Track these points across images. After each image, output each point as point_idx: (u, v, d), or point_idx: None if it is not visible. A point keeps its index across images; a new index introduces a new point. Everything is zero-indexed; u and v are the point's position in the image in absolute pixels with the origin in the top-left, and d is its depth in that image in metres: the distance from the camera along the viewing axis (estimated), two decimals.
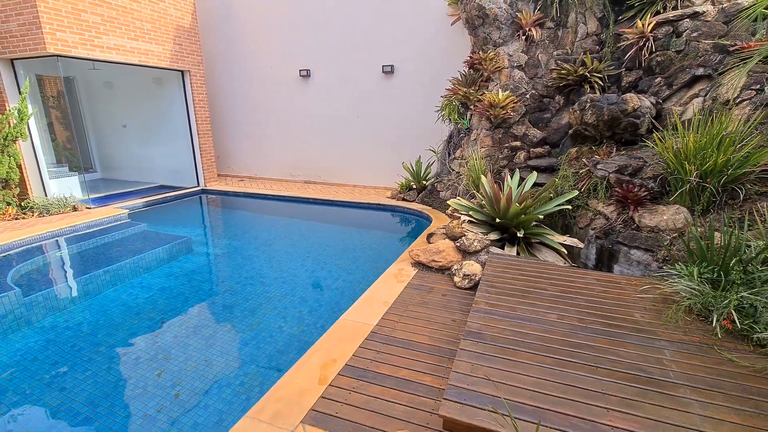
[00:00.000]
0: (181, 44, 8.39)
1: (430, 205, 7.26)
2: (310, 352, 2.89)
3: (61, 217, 6.59)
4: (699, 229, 3.31)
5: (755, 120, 3.64)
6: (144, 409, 2.69)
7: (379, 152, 8.97)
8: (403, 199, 7.75)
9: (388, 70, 8.35)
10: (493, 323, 2.68)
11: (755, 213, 3.18)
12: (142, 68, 7.96)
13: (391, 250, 6.00)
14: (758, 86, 4.20)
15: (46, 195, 7.19)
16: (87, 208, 7.21)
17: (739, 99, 4.26)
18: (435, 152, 7.64)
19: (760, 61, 4.11)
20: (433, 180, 7.56)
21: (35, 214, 6.61)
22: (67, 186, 7.55)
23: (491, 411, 1.85)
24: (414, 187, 7.84)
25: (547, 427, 1.72)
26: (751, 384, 2.05)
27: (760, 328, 2.33)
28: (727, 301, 2.52)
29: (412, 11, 7.87)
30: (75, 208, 7.01)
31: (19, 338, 3.69)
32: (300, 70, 9.16)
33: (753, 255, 2.69)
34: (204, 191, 9.36)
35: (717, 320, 2.49)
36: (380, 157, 8.98)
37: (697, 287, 2.71)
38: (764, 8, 4.20)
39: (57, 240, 6.00)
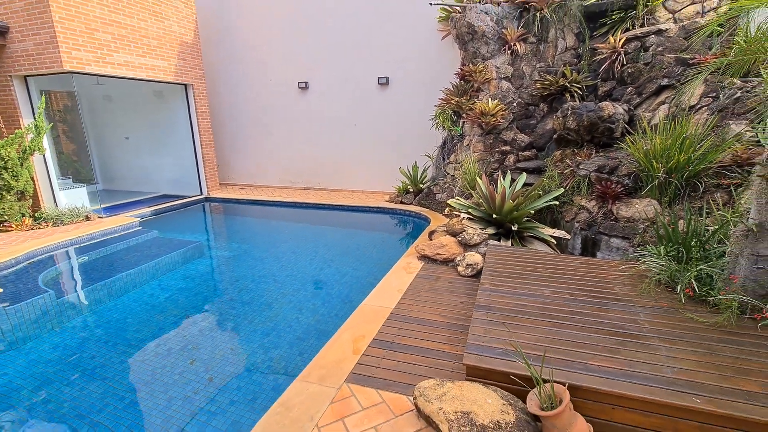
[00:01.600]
0: (185, 59, 8.77)
1: (427, 207, 7.77)
2: (340, 332, 3.32)
3: (76, 226, 6.86)
4: (666, 218, 3.88)
5: (710, 123, 4.25)
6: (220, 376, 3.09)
7: (376, 158, 9.46)
8: (401, 202, 8.23)
9: (384, 82, 8.88)
10: (497, 299, 3.17)
11: (711, 202, 3.77)
12: (143, 82, 8.28)
13: (394, 248, 6.47)
14: (714, 94, 4.85)
15: (56, 206, 7.45)
16: (99, 217, 7.48)
17: (699, 105, 4.90)
18: (430, 157, 8.17)
19: (713, 72, 4.75)
20: (429, 183, 8.08)
21: (49, 225, 6.86)
22: (77, 197, 7.82)
23: (502, 359, 2.33)
24: (411, 190, 8.34)
25: (549, 367, 2.20)
26: (706, 334, 2.58)
27: (714, 293, 2.88)
28: (688, 274, 3.06)
29: (405, 27, 8.44)
30: (87, 218, 7.28)
31: (67, 334, 4.02)
32: (299, 83, 9.63)
33: (709, 235, 3.26)
34: (207, 199, 9.68)
35: (681, 289, 3.03)
36: (377, 163, 9.47)
37: (664, 263, 3.25)
38: (717, 26, 4.87)
39: (76, 247, 6.28)
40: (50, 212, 7.10)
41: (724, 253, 2.98)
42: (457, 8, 7.30)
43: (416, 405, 2.27)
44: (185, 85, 9.03)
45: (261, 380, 3.15)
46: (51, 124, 6.83)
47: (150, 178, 10.15)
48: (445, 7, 7.55)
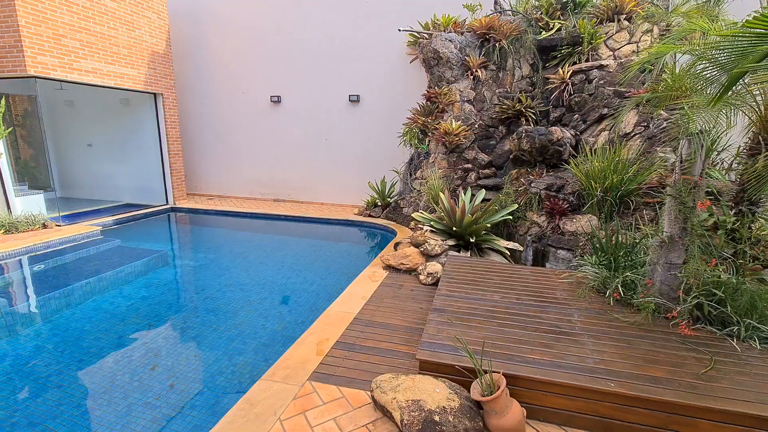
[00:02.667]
0: (155, 68, 8.77)
1: (394, 221, 8.06)
2: (306, 335, 3.49)
3: (33, 233, 6.62)
4: (602, 232, 4.35)
5: (639, 149, 4.83)
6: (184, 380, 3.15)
7: (346, 173, 9.72)
8: (370, 215, 8.50)
9: (354, 99, 9.23)
10: (452, 302, 3.46)
11: (640, 218, 4.27)
12: (109, 89, 8.19)
13: (361, 259, 6.69)
14: (645, 124, 5.49)
15: (10, 213, 7.16)
16: (57, 225, 7.24)
17: (633, 133, 5.52)
18: (398, 173, 8.52)
19: (645, 104, 5.39)
20: (396, 198, 8.40)
21: (1, 232, 6.59)
22: (34, 204, 7.53)
23: (451, 354, 2.60)
24: (379, 204, 8.63)
25: (491, 360, 2.48)
26: (627, 331, 2.96)
27: (636, 297, 3.29)
28: (617, 280, 3.48)
29: (376, 48, 8.87)
30: (45, 225, 7.04)
31: (19, 344, 3.93)
32: (271, 96, 9.81)
33: (634, 246, 3.72)
34: (173, 209, 9.54)
35: (610, 293, 3.44)
36: (347, 177, 9.73)
37: (597, 271, 3.67)
38: (648, 64, 5.53)
39: (31, 256, 6.07)
40: (3, 219, 6.81)
41: (645, 262, 3.42)
42: (425, 35, 7.80)
43: (373, 397, 2.49)
44: (155, 95, 8.99)
45: (224, 385, 3.23)
46: (10, 129, 6.63)
47: (112, 186, 9.89)
48: (413, 33, 8.04)
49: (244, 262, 6.54)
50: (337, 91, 9.32)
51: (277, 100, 9.80)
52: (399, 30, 8.07)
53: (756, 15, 2.43)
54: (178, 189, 9.76)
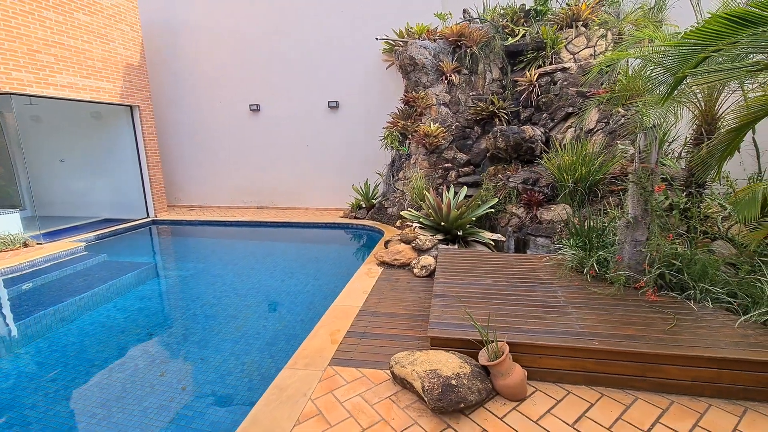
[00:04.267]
0: (131, 81, 8.71)
1: (379, 221, 8.38)
2: (317, 328, 3.73)
3: (14, 253, 6.48)
4: (575, 218, 4.84)
5: (602, 143, 5.38)
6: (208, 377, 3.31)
7: (328, 177, 9.95)
8: (355, 217, 8.77)
9: (334, 105, 9.50)
10: (450, 288, 3.81)
11: (607, 204, 4.80)
12: (82, 103, 8.05)
13: (353, 258, 6.96)
14: (606, 120, 6.09)
15: None
16: (38, 243, 7.09)
17: (596, 129, 6.11)
18: (381, 175, 8.85)
19: (605, 102, 5.98)
20: (380, 199, 8.72)
21: None
22: (9, 223, 7.31)
23: (458, 329, 2.94)
24: (364, 206, 8.92)
25: (494, 331, 2.84)
26: (604, 301, 3.41)
27: (608, 272, 3.76)
28: (591, 259, 3.94)
29: (354, 55, 9.18)
30: (26, 244, 6.87)
31: (24, 358, 3.96)
32: (250, 105, 9.91)
33: (604, 229, 4.21)
34: (155, 222, 9.45)
35: (586, 271, 3.90)
36: (329, 182, 9.96)
37: (574, 253, 4.13)
38: (606, 67, 6.12)
39: (17, 275, 5.95)
40: None
41: (615, 241, 3.90)
42: (400, 42, 8.19)
43: (392, 372, 2.79)
44: (131, 107, 8.91)
45: (236, 384, 3.36)
46: None
47: (89, 202, 9.67)
48: (389, 41, 8.41)
49: (236, 269, 6.65)
50: (316, 97, 9.56)
51: (256, 109, 9.91)
52: (376, 39, 8.42)
53: (692, 28, 2.92)
54: (159, 201, 9.67)
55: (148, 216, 9.54)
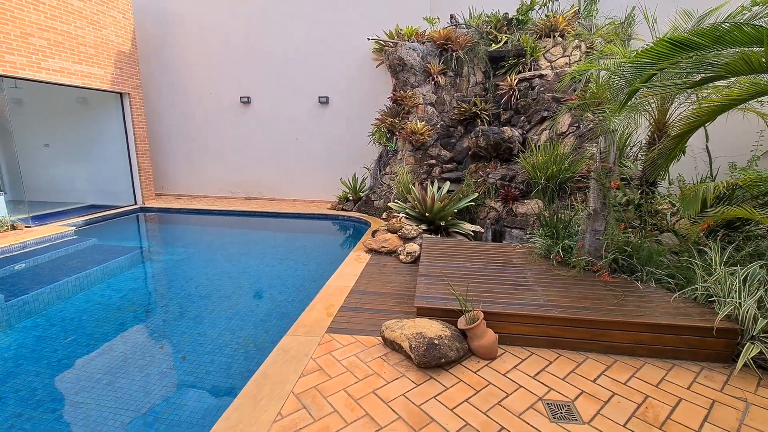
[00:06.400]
0: (122, 68, 8.77)
1: (366, 213, 8.77)
2: (314, 303, 4.11)
3: (2, 235, 6.54)
4: (546, 212, 5.38)
5: (572, 145, 5.95)
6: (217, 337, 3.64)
7: (316, 170, 10.26)
8: (343, 209, 9.14)
9: (324, 101, 9.81)
10: (433, 270, 4.26)
11: (574, 200, 5.35)
12: (70, 88, 8.07)
13: (341, 247, 7.33)
14: (577, 124, 6.67)
15: None
16: (26, 227, 7.14)
17: (568, 132, 6.68)
18: (368, 169, 9.23)
19: (576, 108, 6.55)
20: (367, 192, 9.11)
21: None
22: None
23: (441, 300, 3.38)
24: (351, 198, 9.29)
25: (473, 299, 3.29)
26: (566, 281, 3.93)
27: (572, 258, 4.29)
28: (557, 247, 4.47)
29: (345, 53, 9.51)
30: (14, 227, 6.93)
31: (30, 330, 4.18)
32: (241, 97, 10.10)
33: (569, 221, 4.74)
34: (143, 209, 9.54)
35: (553, 257, 4.42)
36: (317, 175, 10.27)
37: (543, 242, 4.65)
38: (578, 75, 6.69)
39: (7, 256, 6.05)
40: None
41: (578, 231, 4.44)
42: (390, 43, 8.58)
43: (383, 336, 3.21)
44: (121, 94, 8.97)
45: (234, 354, 3.68)
46: None
47: (74, 188, 9.66)
48: (379, 41, 8.78)
49: (227, 255, 6.92)
50: (307, 92, 9.84)
51: (247, 101, 10.10)
52: (368, 39, 8.78)
53: (644, 48, 3.44)
54: (147, 189, 9.76)
55: (135, 203, 9.62)
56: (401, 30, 8.69)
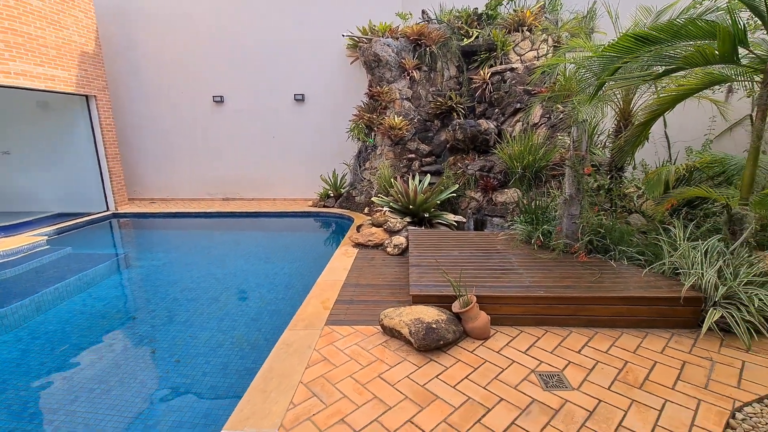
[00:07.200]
0: (87, 69, 8.42)
1: (348, 209, 8.85)
2: (308, 298, 4.19)
3: None
4: (524, 200, 5.66)
5: (545, 135, 6.25)
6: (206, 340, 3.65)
7: (295, 168, 10.23)
8: (324, 206, 9.18)
9: (300, 98, 9.77)
10: (423, 260, 4.43)
11: (549, 187, 5.65)
12: (33, 92, 7.69)
13: (327, 243, 7.40)
14: (548, 116, 6.99)
15: None
16: None
17: (540, 123, 7.00)
18: (348, 165, 9.30)
19: (548, 99, 6.86)
20: (348, 188, 9.19)
21: None
22: None
23: (435, 287, 3.56)
24: (332, 195, 9.34)
25: (464, 285, 3.48)
26: (547, 264, 4.19)
27: (551, 241, 4.56)
28: (537, 232, 4.74)
29: (319, 50, 9.49)
30: None
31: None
32: (213, 96, 9.90)
33: (546, 207, 5.03)
34: (116, 215, 9.23)
35: (534, 242, 4.68)
36: (296, 173, 10.24)
37: (524, 228, 4.91)
38: (548, 67, 6.99)
39: None
40: None
41: (555, 216, 4.72)
42: (364, 39, 8.65)
43: (382, 325, 3.35)
44: (87, 97, 8.62)
45: (228, 353, 3.70)
46: None
47: (41, 196, 9.22)
48: (353, 37, 8.83)
49: (210, 257, 6.86)
50: (282, 90, 9.77)
51: (220, 100, 9.92)
52: (342, 35, 8.81)
53: (609, 43, 3.70)
54: (119, 194, 9.44)
55: (108, 209, 9.29)
56: (375, 26, 8.77)
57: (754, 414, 2.39)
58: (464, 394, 2.61)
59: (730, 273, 3.29)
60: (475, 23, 8.54)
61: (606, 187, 4.78)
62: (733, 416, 2.37)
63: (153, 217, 9.25)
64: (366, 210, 8.28)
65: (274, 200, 10.33)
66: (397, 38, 8.54)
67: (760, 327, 3.03)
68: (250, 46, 9.61)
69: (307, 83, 9.71)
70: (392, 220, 6.17)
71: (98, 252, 7.10)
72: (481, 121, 7.22)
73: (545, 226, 4.76)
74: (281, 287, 5.37)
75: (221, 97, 9.90)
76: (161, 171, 10.52)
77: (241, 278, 5.76)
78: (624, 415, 2.39)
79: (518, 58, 8.13)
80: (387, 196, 7.30)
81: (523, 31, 8.15)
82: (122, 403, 3.08)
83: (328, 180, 9.35)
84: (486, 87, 7.84)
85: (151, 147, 10.37)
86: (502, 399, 2.56)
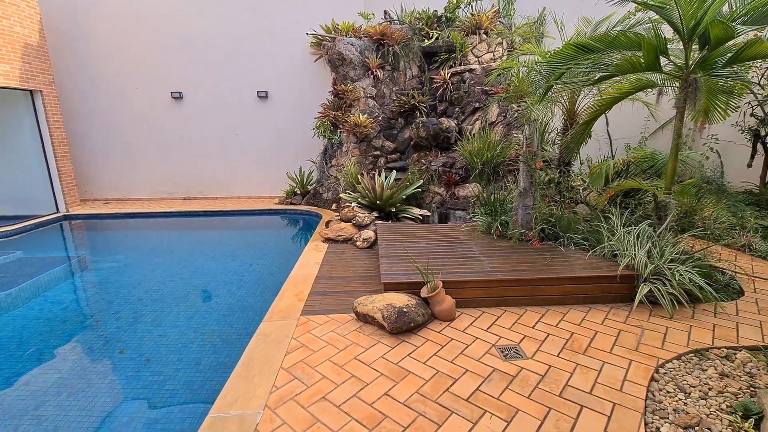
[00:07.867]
0: (30, 63, 7.91)
1: (315, 206, 8.94)
2: (282, 291, 4.32)
3: None
4: (484, 193, 6.06)
5: (502, 133, 6.70)
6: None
7: (260, 166, 10.15)
8: (291, 203, 9.21)
9: (263, 95, 9.70)
10: (392, 251, 4.69)
11: (506, 182, 6.09)
12: None
13: (296, 239, 7.48)
14: (504, 114, 7.47)
15: None
16: None
17: (497, 121, 7.46)
18: (314, 162, 9.38)
19: (504, 99, 7.33)
20: (315, 185, 9.27)
21: None
22: None
23: (404, 276, 3.82)
24: (299, 192, 9.39)
25: (431, 272, 3.77)
26: (505, 251, 4.58)
27: (508, 231, 4.97)
28: (496, 223, 5.13)
29: (282, 47, 9.46)
30: None
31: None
32: (172, 92, 9.60)
33: (504, 200, 5.44)
34: (67, 217, 8.76)
35: (493, 232, 5.07)
36: (261, 171, 10.16)
37: (484, 219, 5.30)
38: (503, 70, 7.45)
39: None
40: None
41: (512, 208, 5.13)
42: (328, 38, 8.74)
43: (356, 312, 3.56)
44: (31, 92, 8.10)
45: (200, 350, 3.76)
46: None
47: None
48: (317, 35, 8.90)
49: (173, 257, 6.72)
50: (245, 87, 9.65)
51: (178, 96, 9.64)
52: (306, 33, 8.85)
53: (555, 50, 4.12)
54: (70, 195, 8.95)
55: (58, 211, 8.79)
56: (338, 25, 8.89)
57: (673, 369, 2.85)
58: (434, 368, 2.89)
59: (657, 253, 3.80)
60: (435, 25, 8.88)
61: (556, 180, 5.26)
62: (656, 371, 2.82)
63: (109, 219, 8.87)
64: (334, 206, 8.42)
65: (239, 198, 10.20)
66: (361, 38, 8.71)
67: (681, 298, 3.54)
68: (209, 39, 9.40)
69: (270, 80, 9.66)
70: (360, 215, 6.38)
71: (52, 255, 6.77)
72: (442, 119, 7.57)
73: (503, 217, 5.16)
74: (251, 283, 5.43)
75: (180, 93, 9.62)
76: (117, 170, 10.06)
77: (208, 277, 5.74)
78: (570, 377, 2.77)
79: (476, 59, 8.57)
80: (354, 193, 7.50)
81: (480, 34, 8.58)
82: (91, 404, 3.07)
83: (295, 177, 9.38)
84: (447, 87, 8.21)
85: (104, 145, 9.88)
86: (467, 370, 2.86)
